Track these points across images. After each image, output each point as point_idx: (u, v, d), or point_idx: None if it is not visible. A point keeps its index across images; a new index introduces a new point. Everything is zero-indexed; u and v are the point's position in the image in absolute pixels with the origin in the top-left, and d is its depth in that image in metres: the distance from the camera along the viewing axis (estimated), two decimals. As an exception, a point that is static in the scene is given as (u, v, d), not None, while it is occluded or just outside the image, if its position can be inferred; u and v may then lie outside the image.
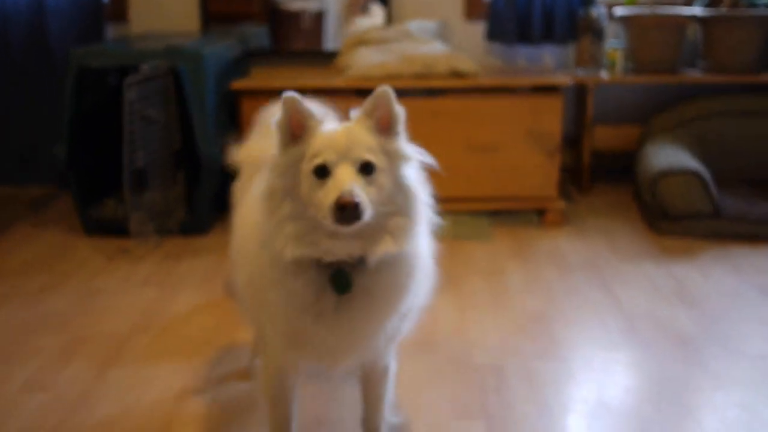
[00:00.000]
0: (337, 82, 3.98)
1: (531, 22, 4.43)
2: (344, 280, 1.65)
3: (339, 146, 1.58)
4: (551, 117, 3.89)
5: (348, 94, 3.94)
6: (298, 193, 1.61)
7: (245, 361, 2.63)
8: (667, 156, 3.88)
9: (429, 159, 1.71)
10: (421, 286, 1.80)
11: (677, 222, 3.75)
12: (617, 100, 4.64)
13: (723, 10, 4.28)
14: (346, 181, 1.54)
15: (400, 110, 1.65)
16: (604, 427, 2.26)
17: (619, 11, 4.36)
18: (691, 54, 4.48)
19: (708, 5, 4.35)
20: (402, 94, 3.91)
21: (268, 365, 1.96)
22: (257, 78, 4.15)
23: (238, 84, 3.97)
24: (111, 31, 4.59)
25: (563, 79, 4.00)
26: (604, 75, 4.36)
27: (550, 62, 4.65)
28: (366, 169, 1.58)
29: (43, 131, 4.41)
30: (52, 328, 2.91)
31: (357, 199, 1.51)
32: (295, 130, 1.64)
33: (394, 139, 1.65)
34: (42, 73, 4.47)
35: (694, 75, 4.37)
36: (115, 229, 3.78)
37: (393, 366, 2.02)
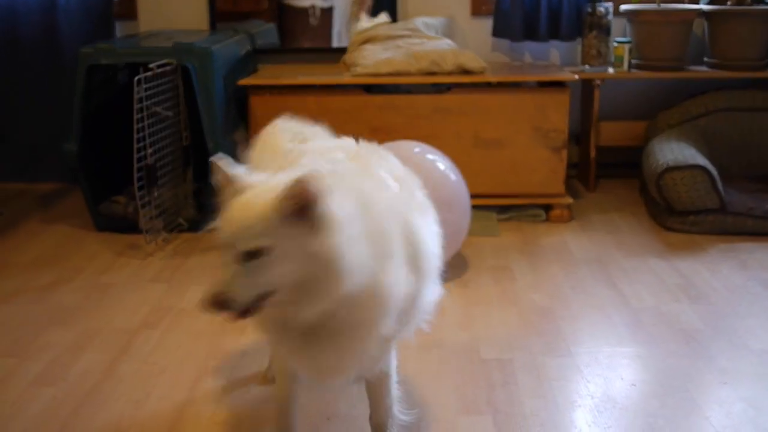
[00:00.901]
0: (345, 78, 3.99)
1: (538, 18, 4.43)
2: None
3: (225, 232, 1.58)
4: (558, 113, 3.90)
5: (355, 91, 3.96)
6: None
7: (253, 356, 2.65)
8: (673, 151, 3.89)
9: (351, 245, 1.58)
10: (391, 317, 1.73)
11: (683, 217, 3.76)
12: (623, 96, 4.65)
13: (729, 5, 4.28)
14: (220, 279, 1.55)
15: (319, 198, 1.54)
16: (610, 422, 2.27)
17: (625, 7, 4.36)
18: (698, 49, 4.48)
19: (714, 1, 4.35)
20: (408, 90, 3.98)
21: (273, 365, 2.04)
22: (265, 75, 4.17)
23: (246, 81, 3.99)
24: (120, 30, 4.62)
25: (570, 75, 4.01)
26: (610, 71, 4.37)
27: (557, 58, 4.66)
28: (251, 255, 1.54)
29: (53, 128, 4.45)
30: (62, 323, 2.94)
31: (223, 297, 1.53)
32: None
33: (312, 227, 1.54)
34: (52, 71, 4.51)
35: (701, 71, 4.38)
36: (125, 225, 3.81)
37: (393, 365, 2.04)
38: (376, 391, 2.04)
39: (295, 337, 1.70)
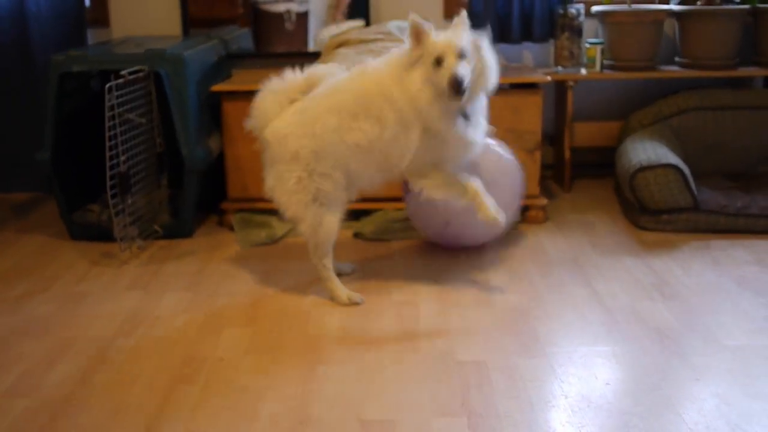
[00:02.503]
0: (318, 83, 3.99)
1: (510, 20, 4.47)
2: None
3: (451, 43, 2.79)
4: (531, 114, 3.92)
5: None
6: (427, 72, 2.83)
7: (229, 362, 2.65)
8: (646, 151, 3.92)
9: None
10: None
11: (656, 216, 3.79)
12: (597, 97, 4.68)
13: (699, 5, 4.32)
14: (454, 66, 2.75)
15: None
16: (584, 421, 2.28)
17: (597, 8, 4.40)
18: (669, 50, 4.53)
19: (684, 1, 4.39)
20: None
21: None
22: (238, 80, 4.16)
23: (219, 86, 3.98)
24: (92, 37, 4.60)
25: (542, 76, 4.03)
26: (583, 72, 4.40)
27: (530, 60, 4.69)
28: (462, 54, 2.78)
29: (26, 137, 4.41)
30: (36, 333, 2.92)
31: (461, 77, 2.74)
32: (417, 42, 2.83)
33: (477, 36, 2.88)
34: (24, 79, 4.47)
35: (672, 70, 4.42)
36: (100, 233, 3.79)
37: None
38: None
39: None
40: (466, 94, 2.76)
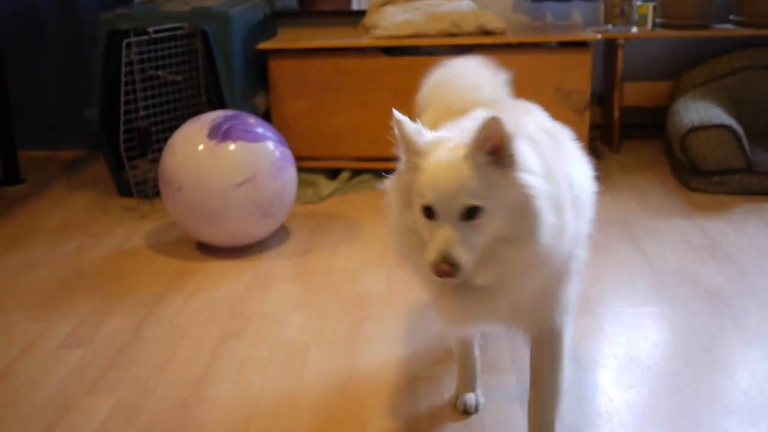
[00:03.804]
0: (364, 41, 3.97)
1: (560, -23, 4.37)
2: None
3: (442, 191, 1.53)
4: (580, 73, 3.86)
5: (375, 53, 3.93)
6: (413, 212, 1.62)
7: (277, 319, 2.67)
8: (699, 111, 3.83)
9: (542, 185, 1.58)
10: (547, 273, 1.69)
11: (709, 178, 3.72)
12: (647, 56, 4.58)
13: (757, -39, 4.19)
14: (444, 241, 1.52)
15: (511, 137, 1.53)
16: (633, 381, 2.27)
17: (650, -36, 4.29)
18: (724, 7, 4.40)
19: (741, -44, 4.26)
20: (429, 52, 3.94)
21: None
22: (284, 38, 4.15)
23: (265, 44, 3.97)
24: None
25: (592, 34, 3.95)
26: (633, 30, 4.30)
27: (579, 18, 4.60)
28: (469, 213, 1.53)
29: (75, 96, 4.46)
30: (89, 288, 2.97)
31: (454, 262, 1.51)
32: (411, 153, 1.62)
33: (507, 169, 1.55)
34: (72, 39, 4.51)
35: (726, 29, 4.30)
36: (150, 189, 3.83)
37: (565, 335, 1.87)
38: (538, 355, 1.88)
39: (448, 287, 1.65)
40: (463, 273, 1.54)
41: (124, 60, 3.46)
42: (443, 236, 1.52)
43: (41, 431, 2.11)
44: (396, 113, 1.59)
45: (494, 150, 1.53)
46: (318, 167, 4.03)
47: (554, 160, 1.69)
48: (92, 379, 2.35)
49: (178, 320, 2.70)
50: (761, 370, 2.29)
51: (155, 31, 3.57)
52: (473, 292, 1.63)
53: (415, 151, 1.59)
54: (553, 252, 1.61)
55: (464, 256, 1.52)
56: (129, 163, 3.91)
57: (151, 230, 3.50)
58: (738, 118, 3.92)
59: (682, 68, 4.43)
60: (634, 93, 4.46)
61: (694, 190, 3.76)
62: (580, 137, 3.94)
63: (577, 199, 1.74)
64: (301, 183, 3.92)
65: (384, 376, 2.32)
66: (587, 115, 3.89)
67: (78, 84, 4.44)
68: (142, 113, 3.60)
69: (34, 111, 4.69)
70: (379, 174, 1.66)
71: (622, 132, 4.45)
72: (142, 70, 3.58)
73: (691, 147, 3.69)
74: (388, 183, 1.68)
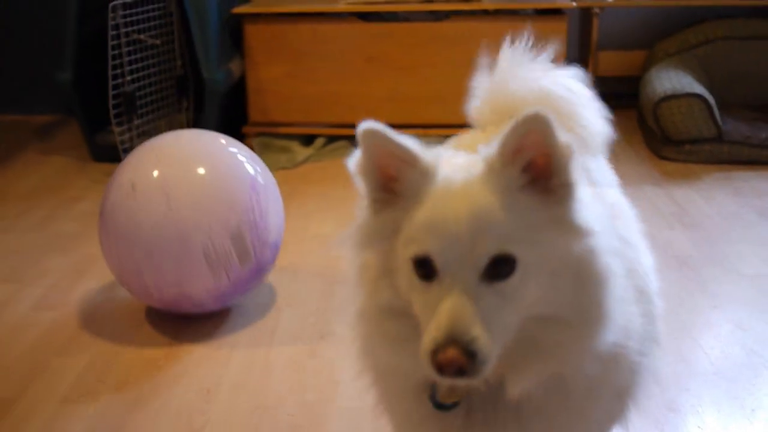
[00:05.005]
0: (340, 6, 3.94)
1: (536, -56, 4.35)
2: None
3: (452, 234, 0.96)
4: (555, 41, 3.86)
5: (351, 19, 3.91)
6: (396, 278, 1.04)
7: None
8: (671, 80, 3.86)
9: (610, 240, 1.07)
10: (607, 408, 1.19)
11: (680, 146, 3.76)
12: (622, 25, 4.60)
13: (732, -69, 4.20)
14: (454, 313, 0.94)
15: (568, 145, 0.99)
16: (600, 343, 2.31)
17: (626, -67, 4.29)
18: (699, -23, 4.42)
19: (716, -74, 4.27)
20: (406, 18, 3.93)
21: None
22: (260, 3, 4.12)
23: (241, 9, 3.94)
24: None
25: (567, 2, 3.96)
26: (609, -1, 4.32)
27: (556, -14, 4.59)
28: (497, 269, 0.96)
29: (48, 58, 4.41)
30: (62, 250, 2.97)
31: (471, 347, 0.92)
32: (389, 182, 1.04)
33: (559, 199, 1.00)
34: (45, -1, 4.45)
35: (701, -1, 4.32)
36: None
37: None
38: None
39: (453, 424, 1.10)
40: (482, 370, 0.94)
41: (110, 23, 3.42)
42: (453, 306, 0.94)
43: (14, 391, 2.12)
44: (366, 123, 1.01)
45: (534, 167, 0.99)
46: (293, 133, 4.03)
47: (623, 233, 1.22)
48: (64, 340, 2.36)
49: (152, 283, 2.71)
50: (724, 333, 2.35)
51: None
52: (498, 422, 1.07)
53: (410, 175, 1.02)
54: (622, 354, 1.09)
55: (486, 340, 0.93)
56: (111, 128, 3.88)
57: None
58: (710, 88, 3.96)
59: (656, 38, 4.46)
60: (609, 62, 4.48)
61: (665, 158, 3.80)
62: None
63: (644, 292, 1.25)
64: (276, 149, 3.93)
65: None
66: (562, 83, 3.90)
67: (50, 46, 4.39)
68: (128, 77, 3.55)
69: (5, 74, 4.63)
70: (355, 140, 1.02)
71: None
72: (127, 34, 3.54)
73: (663, 116, 3.72)
74: (351, 240, 1.10)
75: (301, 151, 3.91)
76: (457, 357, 0.91)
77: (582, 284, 0.99)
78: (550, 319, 1.00)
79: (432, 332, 0.94)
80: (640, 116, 4.25)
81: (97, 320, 2.47)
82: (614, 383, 1.14)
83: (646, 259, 1.32)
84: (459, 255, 0.95)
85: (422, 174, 1.01)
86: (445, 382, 1.02)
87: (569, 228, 0.99)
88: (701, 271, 2.73)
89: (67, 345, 2.33)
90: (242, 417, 2.00)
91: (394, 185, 1.03)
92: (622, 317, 1.06)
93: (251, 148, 3.93)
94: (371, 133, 1.00)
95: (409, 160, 1.01)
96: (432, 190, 1.00)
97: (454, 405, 1.08)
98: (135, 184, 2.22)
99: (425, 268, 0.98)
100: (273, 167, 3.74)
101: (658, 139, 3.86)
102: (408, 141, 1.02)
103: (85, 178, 3.71)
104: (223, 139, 2.45)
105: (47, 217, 3.28)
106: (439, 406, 1.08)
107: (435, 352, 0.93)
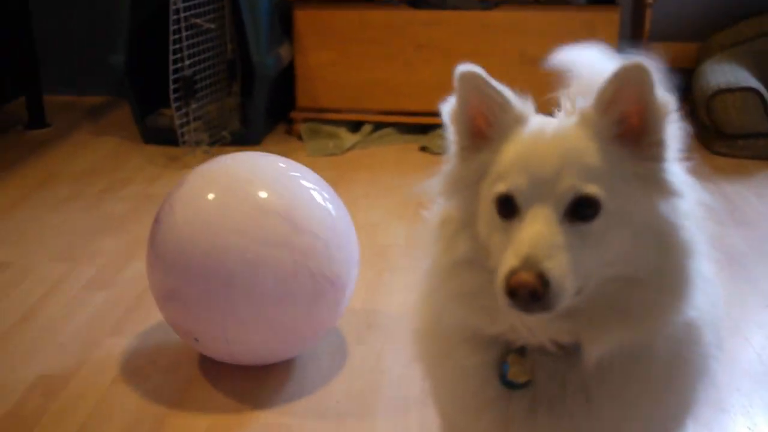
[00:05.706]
0: (392, -7, 3.94)
1: (590, -67, 4.30)
2: (519, 368, 1.06)
3: (539, 168, 0.97)
4: (607, 32, 3.82)
5: (401, 6, 3.89)
6: (476, 226, 1.04)
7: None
8: (725, 74, 3.80)
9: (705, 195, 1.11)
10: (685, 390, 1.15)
11: (732, 141, 3.70)
12: (676, 16, 4.52)
13: None
14: (530, 243, 0.93)
15: (666, 102, 1.03)
16: (648, 339, 2.29)
17: None
18: (757, -32, 4.33)
19: None
20: (455, 6, 3.91)
21: None
22: (310, -12, 4.13)
23: (291, -6, 3.96)
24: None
25: (621, -8, 3.91)
26: (664, -11, 4.25)
27: (609, -25, 4.53)
28: (580, 209, 0.96)
29: (102, 40, 4.46)
30: (113, 231, 3.01)
31: (545, 274, 0.91)
32: (480, 127, 1.05)
33: (651, 156, 1.01)
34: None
35: (758, -10, 4.24)
36: (172, 137, 3.85)
37: None
38: None
39: (518, 406, 1.08)
40: (558, 299, 0.93)
41: (171, 8, 3.45)
42: (532, 234, 0.94)
43: (67, 368, 2.16)
44: (465, 66, 1.04)
45: (628, 120, 1.00)
46: (340, 119, 4.04)
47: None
48: (116, 320, 2.40)
49: (200, 266, 2.74)
50: (776, 333, 2.31)
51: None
52: (565, 408, 1.04)
53: (505, 118, 1.04)
54: (700, 337, 1.09)
55: (561, 270, 0.92)
56: (158, 111, 3.93)
57: (175, 178, 3.53)
58: (764, 81, 3.88)
59: (710, 30, 4.38)
60: (660, 54, 4.40)
61: (717, 153, 3.73)
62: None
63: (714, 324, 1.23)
64: (323, 135, 3.94)
65: (402, 325, 2.35)
66: (612, 74, 3.86)
67: (105, 29, 4.44)
68: (187, 62, 3.59)
69: (60, 55, 4.70)
70: (402, 128, 1.05)
71: (647, 93, 4.41)
72: (186, 19, 3.56)
73: (717, 109, 3.66)
74: (437, 188, 1.10)
75: (348, 138, 3.92)
76: (531, 280, 0.91)
77: (666, 249, 1.00)
78: (633, 279, 0.99)
79: (509, 260, 0.94)
80: (691, 109, 4.18)
81: (146, 303, 2.50)
82: (692, 368, 1.12)
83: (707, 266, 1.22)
84: (545, 189, 0.95)
85: (515, 119, 1.04)
86: (514, 315, 0.99)
87: (657, 186, 1.00)
88: (752, 269, 2.69)
89: (118, 325, 2.38)
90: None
91: (487, 130, 1.04)
92: (702, 296, 1.06)
93: (299, 133, 3.99)
94: (469, 75, 1.03)
95: (503, 104, 1.04)
96: (524, 132, 1.02)
97: (525, 385, 1.06)
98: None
99: (508, 207, 0.98)
100: (321, 152, 3.79)
101: (710, 133, 3.80)
102: (503, 87, 1.05)
103: (136, 160, 3.76)
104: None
105: (99, 198, 3.33)
106: (509, 385, 1.06)
107: (509, 277, 0.93)
